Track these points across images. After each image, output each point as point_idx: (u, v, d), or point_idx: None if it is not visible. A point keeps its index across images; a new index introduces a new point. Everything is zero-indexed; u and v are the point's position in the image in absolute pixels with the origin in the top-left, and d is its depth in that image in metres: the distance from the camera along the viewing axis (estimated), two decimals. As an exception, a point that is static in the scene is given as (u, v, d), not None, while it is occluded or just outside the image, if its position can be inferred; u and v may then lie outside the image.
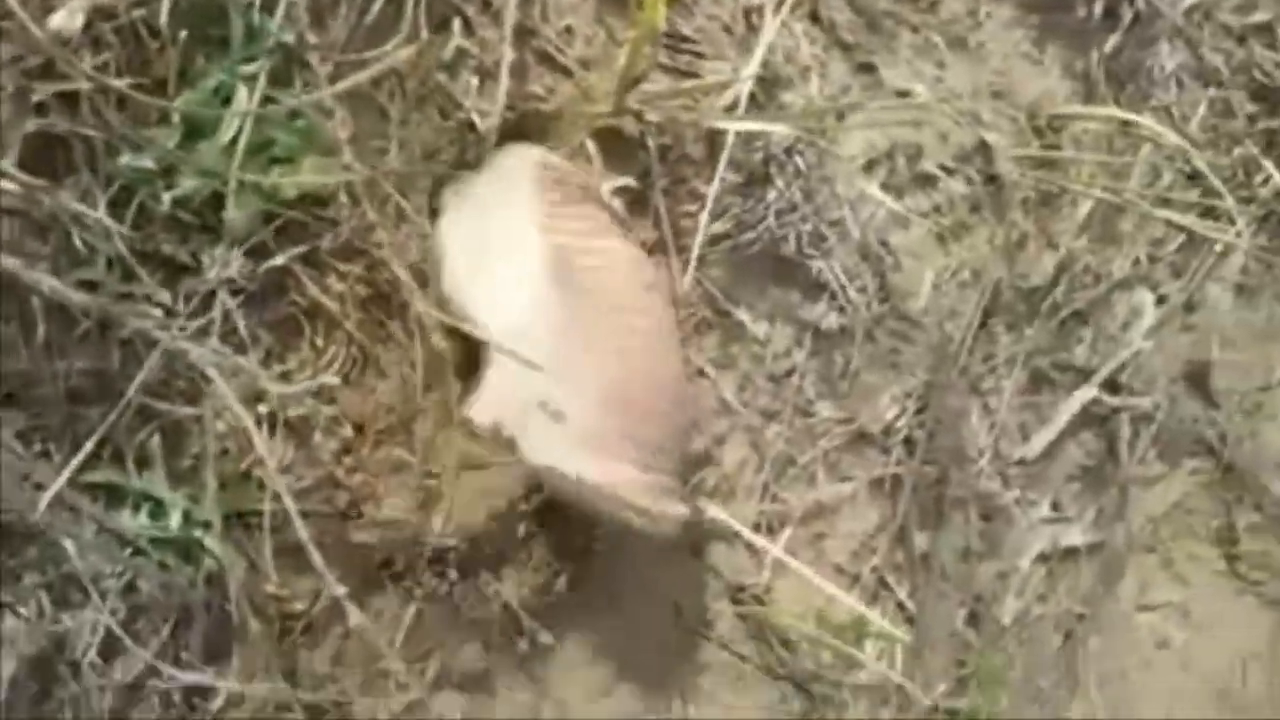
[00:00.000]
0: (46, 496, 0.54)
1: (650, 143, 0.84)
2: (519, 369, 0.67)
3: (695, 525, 0.87)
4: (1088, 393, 1.07)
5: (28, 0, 0.53)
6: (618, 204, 0.84)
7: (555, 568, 0.76)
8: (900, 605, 0.98)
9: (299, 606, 0.67)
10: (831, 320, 0.94)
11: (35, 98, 0.55)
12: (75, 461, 0.55)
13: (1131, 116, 1.04)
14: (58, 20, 0.54)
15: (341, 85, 0.60)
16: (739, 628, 0.91)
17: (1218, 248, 1.13)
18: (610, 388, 0.71)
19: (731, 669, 0.89)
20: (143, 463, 0.62)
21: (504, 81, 0.76)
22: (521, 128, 0.80)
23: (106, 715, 0.58)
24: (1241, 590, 1.15)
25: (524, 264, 0.72)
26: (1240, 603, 1.14)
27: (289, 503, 0.55)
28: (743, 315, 0.90)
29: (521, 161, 0.75)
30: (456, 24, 0.75)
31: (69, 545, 0.57)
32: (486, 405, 0.69)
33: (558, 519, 0.75)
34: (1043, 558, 1.07)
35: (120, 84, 0.54)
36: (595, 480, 0.70)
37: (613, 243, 0.76)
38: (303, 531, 0.54)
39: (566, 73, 0.81)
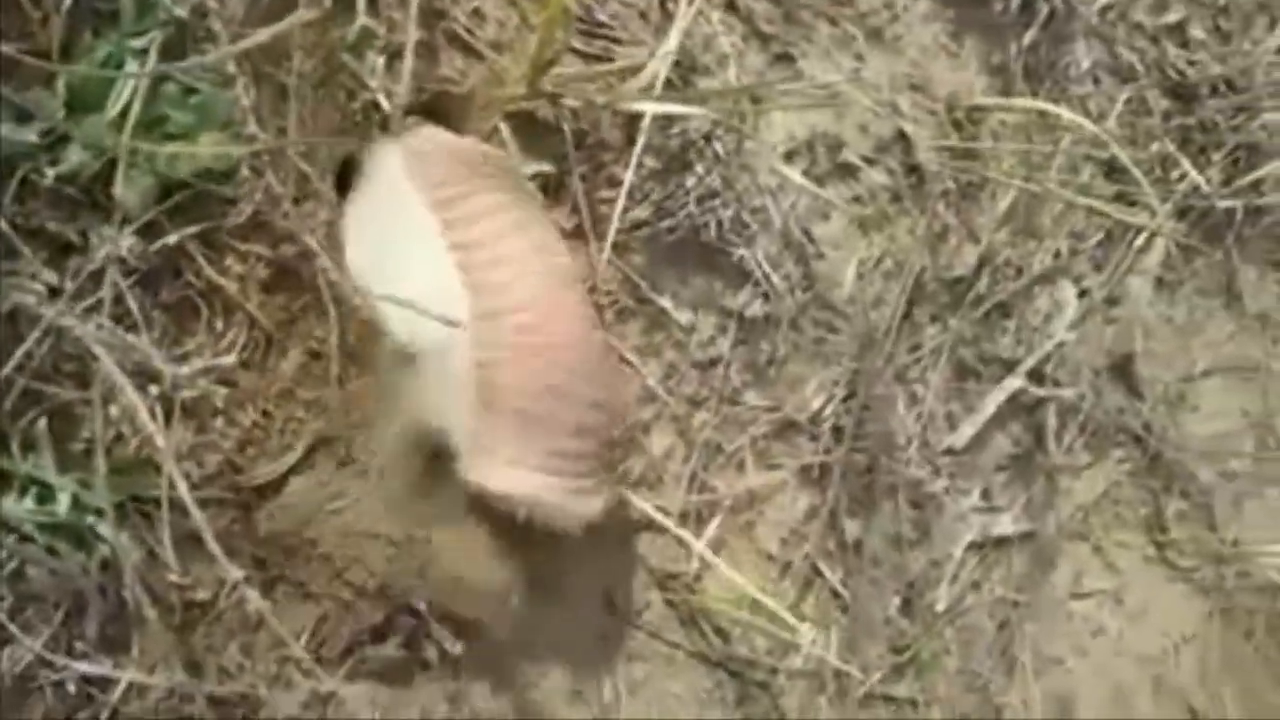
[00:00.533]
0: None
1: (566, 128, 0.83)
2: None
3: (623, 515, 0.86)
4: (1014, 383, 1.08)
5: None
6: (533, 188, 0.83)
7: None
8: (834, 592, 0.98)
9: (203, 595, 0.64)
10: (756, 308, 0.93)
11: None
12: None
13: (1051, 108, 1.06)
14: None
15: (240, 45, 0.58)
16: (670, 616, 0.89)
17: (1138, 242, 1.15)
18: (520, 395, 0.71)
19: (663, 657, 0.88)
20: (29, 446, 0.59)
21: (409, 61, 0.75)
22: (433, 110, 0.79)
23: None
24: (1172, 577, 1.17)
25: (428, 271, 0.71)
26: (1171, 589, 1.16)
27: (183, 489, 0.53)
28: (665, 302, 0.90)
29: (428, 146, 0.74)
30: (361, 2, 0.74)
31: (-55, 531, 0.55)
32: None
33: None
34: (975, 546, 1.07)
35: (9, 49, 0.52)
36: (506, 490, 0.71)
37: (521, 241, 0.75)
38: (199, 518, 0.52)
39: (478, 56, 0.80)
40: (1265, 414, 1.22)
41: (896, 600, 1.01)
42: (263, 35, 0.56)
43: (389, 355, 0.70)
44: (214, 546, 0.53)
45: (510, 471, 0.71)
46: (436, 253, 0.71)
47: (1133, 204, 1.12)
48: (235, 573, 0.55)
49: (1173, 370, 1.19)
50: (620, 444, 0.81)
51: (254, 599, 0.56)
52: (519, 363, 0.71)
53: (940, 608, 1.04)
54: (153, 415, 0.60)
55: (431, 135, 0.77)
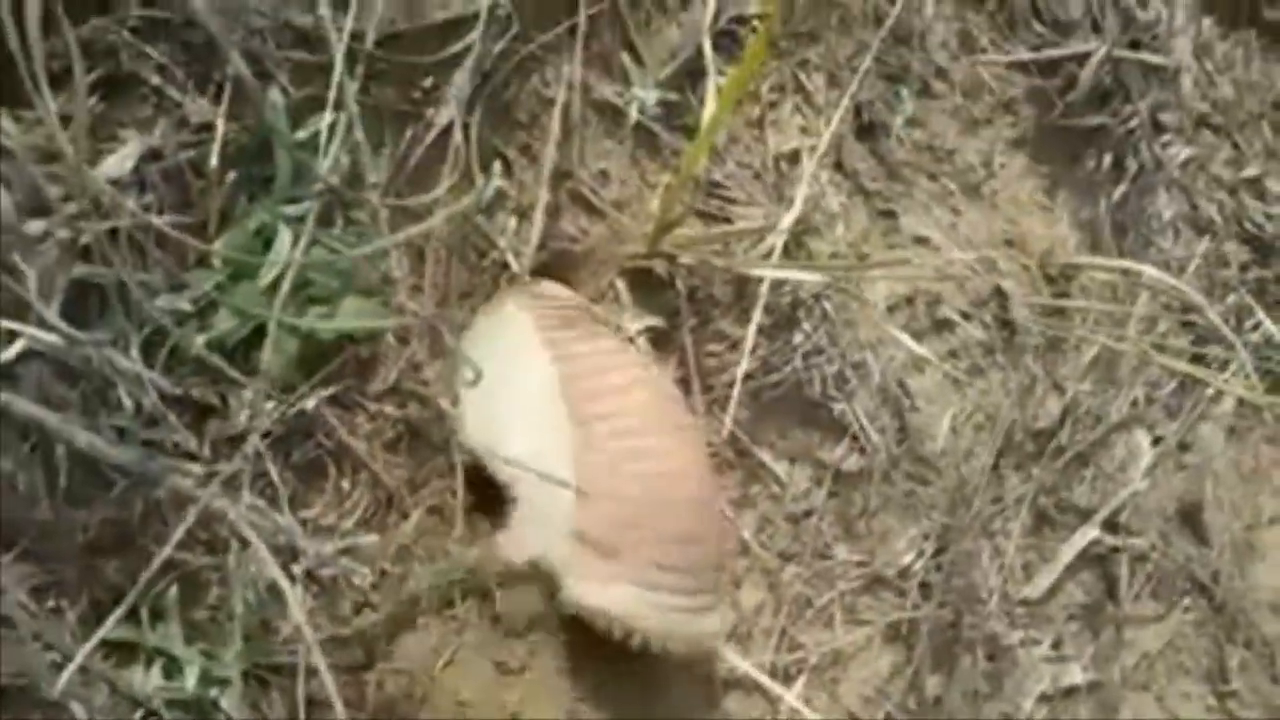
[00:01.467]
0: (68, 671, 0.50)
1: (680, 284, 0.84)
2: (543, 504, 0.66)
3: (711, 671, 0.84)
4: (1090, 533, 1.08)
5: (77, 142, 0.51)
6: (643, 343, 0.83)
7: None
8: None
9: (313, 770, 0.63)
10: (852, 462, 0.93)
11: (82, 240, 0.53)
12: (103, 630, 0.52)
13: (1139, 267, 1.07)
14: (109, 165, 0.53)
15: (400, 236, 0.59)
16: (759, 778, 0.87)
17: (1210, 391, 1.15)
18: (627, 511, 0.69)
19: (750, 820, 0.86)
20: (157, 616, 0.58)
21: (539, 222, 0.76)
22: (553, 268, 0.80)
23: None
24: (1235, 728, 1.15)
25: (533, 396, 0.71)
26: (1231, 741, 1.14)
27: (322, 665, 0.52)
28: (764, 455, 0.89)
29: (520, 298, 0.74)
30: (497, 166, 0.74)
31: (79, 711, 0.54)
32: (517, 539, 0.68)
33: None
34: (1044, 697, 1.06)
35: (166, 227, 0.52)
36: (608, 605, 0.68)
37: (630, 371, 0.75)
38: (332, 690, 0.51)
39: (600, 215, 0.81)
40: (1329, 564, 1.21)
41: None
42: (419, 230, 0.57)
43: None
44: (341, 713, 0.51)
45: (607, 587, 0.68)
46: (545, 377, 0.71)
47: (1204, 356, 1.13)
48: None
49: (1240, 518, 1.18)
50: (725, 568, 0.79)
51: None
52: (616, 469, 0.69)
53: (1012, 761, 1.02)
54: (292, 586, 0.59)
55: (550, 289, 0.77)
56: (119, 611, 0.51)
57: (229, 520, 0.53)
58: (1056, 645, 1.07)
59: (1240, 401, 1.18)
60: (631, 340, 0.82)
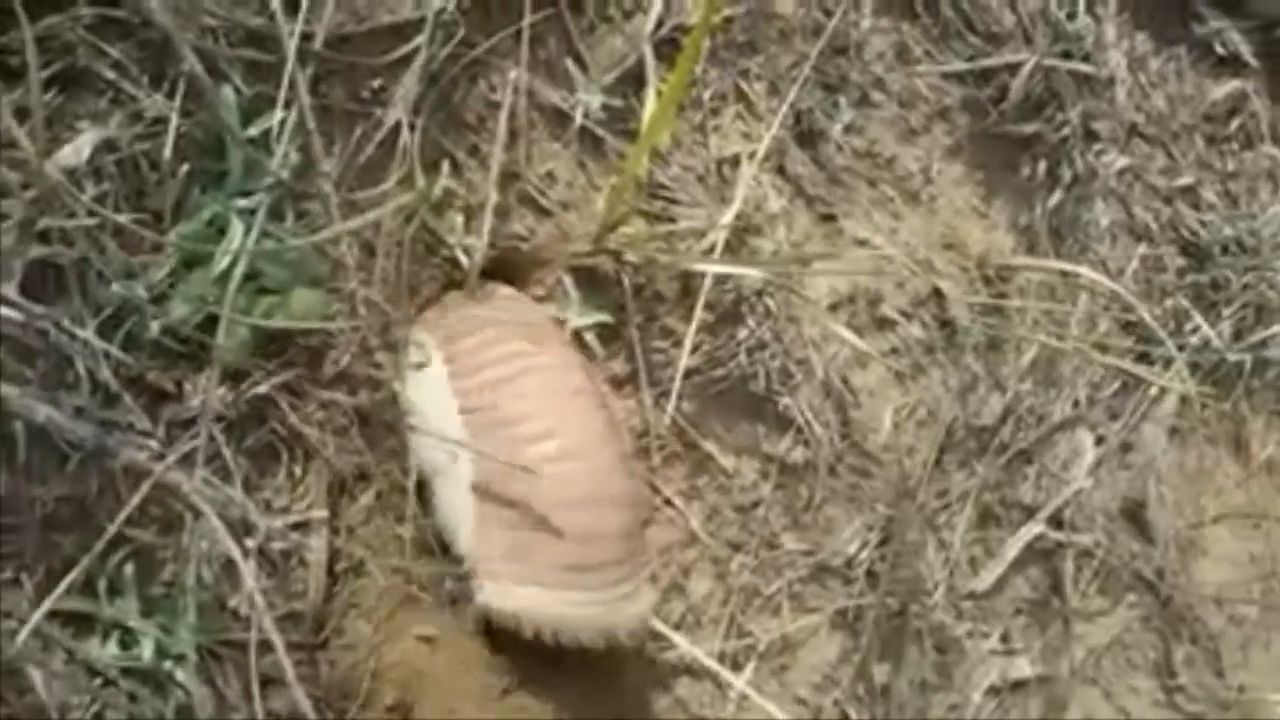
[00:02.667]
0: (25, 630, 0.52)
1: (626, 281, 0.87)
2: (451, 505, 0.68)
3: (661, 659, 0.87)
4: (1034, 529, 1.11)
5: (34, 132, 0.54)
6: (591, 339, 0.86)
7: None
8: (854, 751, 0.99)
9: (264, 744, 0.65)
10: (797, 454, 0.96)
11: (38, 226, 0.55)
12: (56, 592, 0.54)
13: (1073, 268, 1.11)
14: (65, 154, 0.56)
15: (350, 224, 0.62)
16: (705, 765, 0.90)
17: (1152, 392, 1.19)
18: (525, 512, 0.69)
19: (698, 808, 0.88)
20: (114, 590, 0.61)
21: (488, 220, 0.79)
22: (502, 265, 0.83)
23: None
24: (1182, 722, 1.18)
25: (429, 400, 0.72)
26: (1180, 735, 1.17)
27: (277, 640, 0.54)
28: (711, 447, 0.92)
29: (432, 326, 0.75)
30: (445, 166, 0.78)
31: (36, 675, 0.56)
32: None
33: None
34: (993, 690, 1.08)
35: (122, 218, 0.55)
36: (516, 608, 0.69)
37: (515, 363, 0.74)
38: (288, 667, 0.53)
39: (547, 214, 0.84)
40: (1272, 561, 1.25)
41: (922, 749, 1.01)
42: (370, 218, 0.60)
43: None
44: (301, 697, 0.54)
45: (515, 590, 0.68)
46: (442, 393, 0.72)
47: (1147, 356, 1.17)
48: (306, 708, 0.56)
49: (1183, 517, 1.21)
50: (642, 546, 0.78)
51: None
52: (515, 476, 0.68)
53: (960, 753, 1.05)
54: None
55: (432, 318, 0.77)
56: (72, 576, 0.53)
57: (183, 494, 0.55)
58: (1004, 639, 1.10)
59: (1182, 402, 1.22)
60: (578, 335, 0.85)
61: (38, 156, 0.51)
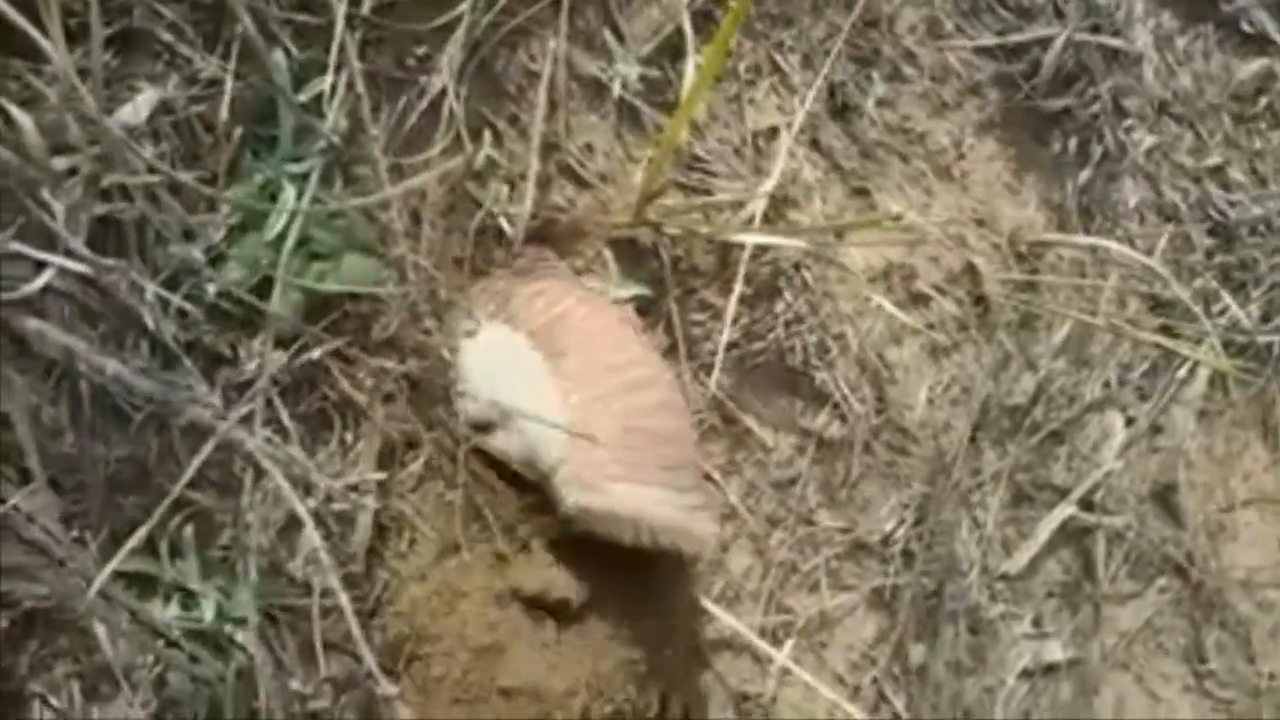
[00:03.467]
0: (94, 587, 0.52)
1: (664, 254, 0.87)
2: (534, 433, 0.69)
3: (702, 632, 0.87)
4: (1065, 510, 1.11)
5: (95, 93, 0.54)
6: (630, 311, 0.86)
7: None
8: (897, 718, 0.98)
9: (322, 705, 0.65)
10: (833, 430, 0.96)
11: (103, 184, 0.56)
12: (122, 552, 0.54)
13: (1105, 242, 1.11)
14: (125, 113, 0.56)
15: (399, 188, 0.62)
16: (744, 737, 0.90)
17: (1180, 374, 1.19)
18: (623, 425, 0.71)
19: (739, 780, 0.88)
20: (175, 552, 0.61)
21: (530, 190, 0.79)
22: (543, 236, 0.83)
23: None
24: (1213, 707, 1.17)
25: (514, 358, 0.74)
26: (1211, 720, 1.16)
27: (343, 599, 0.54)
28: (750, 422, 0.92)
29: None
30: (487, 136, 0.78)
31: (102, 634, 0.56)
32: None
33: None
34: (1026, 673, 1.08)
35: (185, 176, 0.55)
36: (613, 506, 0.69)
37: (581, 308, 0.77)
38: (355, 625, 0.53)
39: (587, 185, 0.84)
40: (1302, 545, 1.25)
41: (952, 730, 1.01)
42: (416, 182, 0.60)
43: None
44: (367, 655, 0.54)
45: (609, 490, 0.69)
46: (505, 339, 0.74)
47: (1176, 336, 1.16)
48: (389, 688, 0.56)
49: (1213, 501, 1.21)
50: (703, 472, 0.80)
51: (384, 687, 0.56)
52: (592, 389, 0.71)
53: (994, 735, 1.04)
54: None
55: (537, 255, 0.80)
56: (137, 536, 0.54)
57: (246, 451, 0.55)
58: (1037, 622, 1.10)
59: (1210, 384, 1.22)
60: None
61: (100, 114, 0.51)
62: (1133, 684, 1.15)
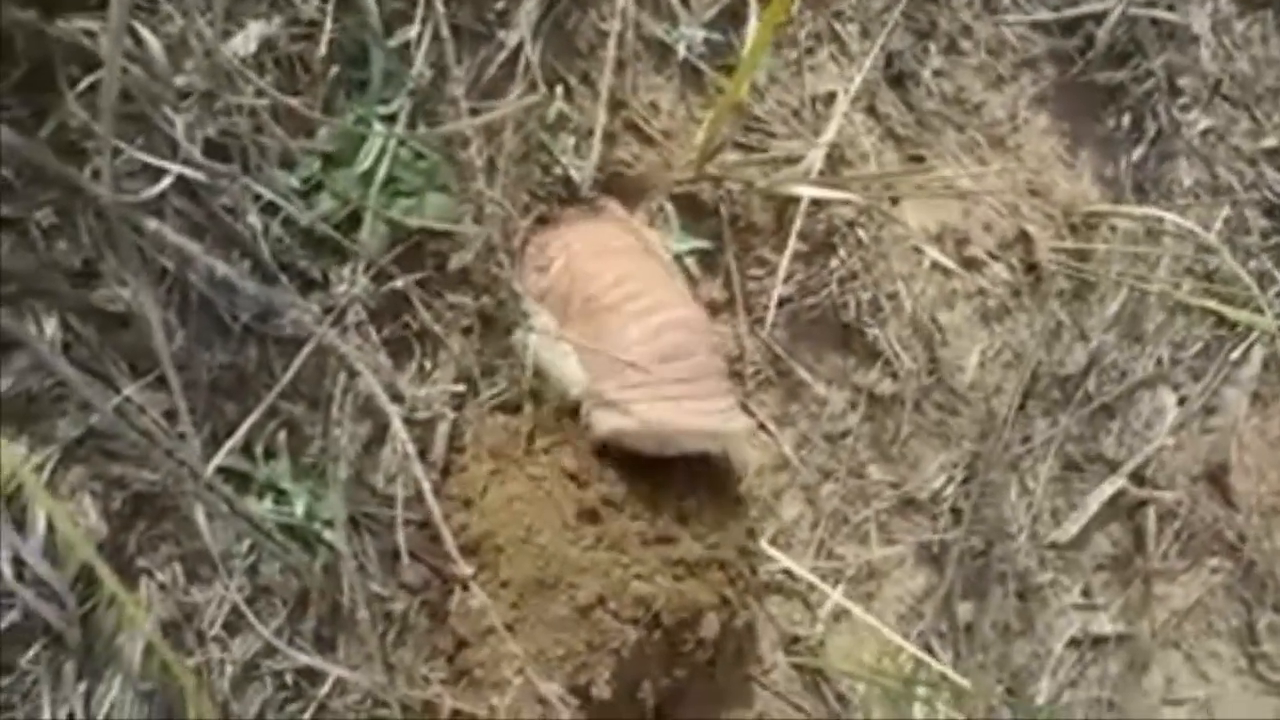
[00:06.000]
0: (211, 466, 0.58)
1: (723, 210, 0.91)
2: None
3: (755, 574, 0.90)
4: (1116, 483, 1.12)
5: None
6: (691, 264, 0.90)
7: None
8: (943, 676, 1.00)
9: (398, 607, 0.70)
10: (885, 386, 0.99)
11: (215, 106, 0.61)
12: (224, 449, 0.59)
13: (1164, 214, 1.12)
14: (237, 42, 0.62)
15: (478, 120, 0.66)
16: (794, 678, 0.93)
17: (1234, 354, 1.20)
18: (640, 344, 0.75)
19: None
20: (270, 455, 0.66)
21: (598, 143, 0.84)
22: (608, 189, 0.87)
23: (227, 688, 0.61)
24: (1264, 690, 1.17)
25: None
26: (1262, 703, 1.16)
27: (432, 501, 0.59)
28: (803, 374, 0.95)
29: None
30: (559, 90, 0.83)
31: (203, 521, 0.61)
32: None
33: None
34: (1074, 642, 1.09)
35: (292, 100, 0.60)
36: (657, 427, 0.74)
37: (570, 241, 0.81)
38: (443, 525, 0.58)
39: (651, 142, 0.88)
40: (1357, 531, 1.24)
41: (1000, 689, 1.03)
42: (497, 114, 0.65)
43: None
44: (455, 553, 0.58)
45: (636, 407, 0.73)
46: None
47: (1228, 319, 1.17)
48: (466, 569, 0.61)
49: (1266, 483, 1.21)
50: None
51: (479, 595, 0.61)
52: (606, 320, 0.75)
53: (1040, 700, 1.06)
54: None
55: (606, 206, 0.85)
56: (237, 436, 0.59)
57: (340, 354, 0.60)
58: (1086, 593, 1.11)
59: (1265, 367, 1.22)
60: (679, 260, 0.89)
61: (216, 41, 0.56)
62: (1183, 663, 1.16)
